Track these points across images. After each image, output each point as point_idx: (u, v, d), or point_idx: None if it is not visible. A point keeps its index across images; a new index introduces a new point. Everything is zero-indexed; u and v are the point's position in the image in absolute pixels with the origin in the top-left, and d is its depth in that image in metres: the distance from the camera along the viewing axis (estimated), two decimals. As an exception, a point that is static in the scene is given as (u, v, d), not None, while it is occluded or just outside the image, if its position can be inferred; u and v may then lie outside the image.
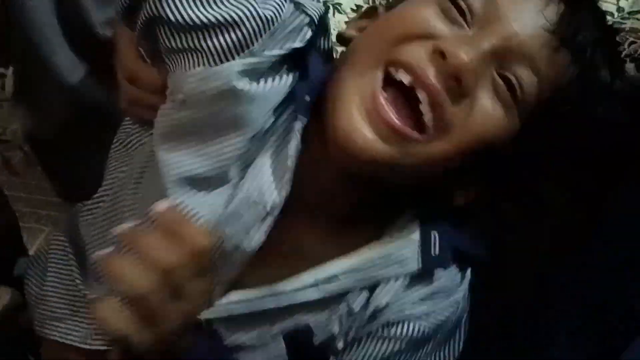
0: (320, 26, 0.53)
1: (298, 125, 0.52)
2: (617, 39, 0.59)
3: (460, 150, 0.49)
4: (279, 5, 0.49)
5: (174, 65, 0.50)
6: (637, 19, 0.73)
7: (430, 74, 0.48)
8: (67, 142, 0.86)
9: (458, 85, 0.48)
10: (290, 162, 0.52)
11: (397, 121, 0.48)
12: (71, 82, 0.79)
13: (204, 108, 0.50)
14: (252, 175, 0.52)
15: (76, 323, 0.61)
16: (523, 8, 0.49)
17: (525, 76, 0.49)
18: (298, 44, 0.51)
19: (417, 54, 0.49)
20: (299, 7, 0.51)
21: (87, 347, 0.60)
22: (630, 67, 0.70)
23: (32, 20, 0.76)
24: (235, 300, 0.53)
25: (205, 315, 0.50)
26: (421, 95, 0.48)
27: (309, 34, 0.52)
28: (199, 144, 0.51)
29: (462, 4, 0.50)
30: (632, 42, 0.71)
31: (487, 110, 0.49)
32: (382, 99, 0.48)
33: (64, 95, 0.81)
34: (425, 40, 0.49)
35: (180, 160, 0.51)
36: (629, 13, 0.74)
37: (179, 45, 0.49)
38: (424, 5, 0.51)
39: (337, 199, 0.54)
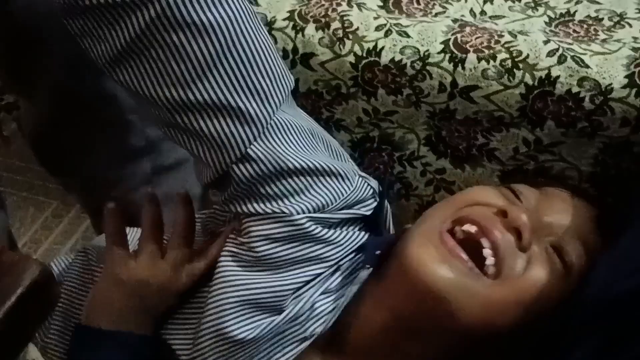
0: (380, 196, 0.65)
1: (364, 274, 0.61)
2: None
3: (515, 300, 0.56)
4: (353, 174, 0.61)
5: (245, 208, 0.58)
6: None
7: (495, 227, 0.58)
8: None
9: (518, 240, 0.58)
10: (344, 302, 0.59)
11: (464, 254, 0.57)
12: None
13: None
14: (308, 299, 0.59)
15: None
16: None
17: (573, 250, 0.60)
18: (365, 211, 0.63)
19: (482, 212, 0.60)
20: (365, 181, 0.63)
21: None
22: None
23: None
24: None
25: None
26: (485, 243, 0.57)
27: (374, 204, 0.64)
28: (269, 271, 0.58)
29: (517, 189, 0.65)
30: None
31: (540, 269, 0.58)
32: (451, 239, 0.58)
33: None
34: (488, 206, 0.61)
35: (246, 283, 0.57)
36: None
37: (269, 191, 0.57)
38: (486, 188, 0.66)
39: (373, 356, 0.61)
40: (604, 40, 0.73)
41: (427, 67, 0.76)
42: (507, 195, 0.64)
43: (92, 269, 0.70)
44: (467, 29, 0.76)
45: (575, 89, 0.71)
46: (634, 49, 0.71)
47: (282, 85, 0.57)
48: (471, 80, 0.75)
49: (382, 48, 0.78)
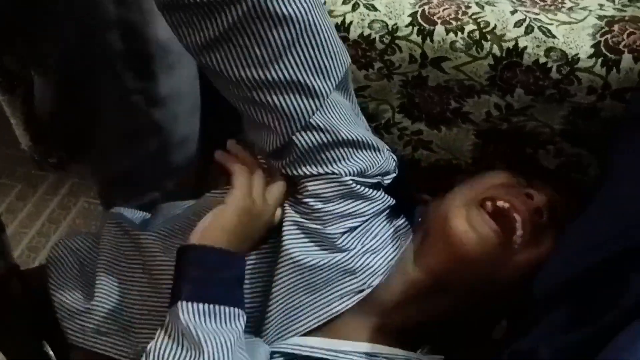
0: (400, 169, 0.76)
1: (408, 237, 0.74)
2: (616, 28, 0.69)
3: (529, 266, 0.68)
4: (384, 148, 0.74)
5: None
6: (638, 7, 0.69)
7: (524, 205, 0.69)
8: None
9: (540, 219, 0.69)
10: (394, 258, 0.71)
11: (497, 226, 0.68)
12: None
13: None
14: (370, 255, 0.70)
15: (123, 339, 0.70)
16: None
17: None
18: (386, 180, 0.74)
19: (513, 192, 0.71)
20: (390, 154, 0.75)
21: None
22: (627, 57, 0.68)
23: None
24: (311, 345, 0.66)
25: (279, 347, 0.65)
26: (517, 216, 0.68)
27: (393, 175, 0.75)
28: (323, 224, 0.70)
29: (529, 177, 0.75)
30: (631, 33, 0.68)
31: (549, 242, 0.70)
32: (485, 213, 0.69)
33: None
34: (515, 187, 0.72)
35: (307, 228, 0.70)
36: (630, 0, 0.70)
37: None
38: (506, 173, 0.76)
39: (401, 309, 0.71)
40: (570, 9, 0.72)
41: (396, 41, 0.76)
42: (520, 182, 0.75)
43: (129, 231, 0.75)
44: (435, 0, 0.75)
45: (542, 60, 0.71)
46: (600, 17, 0.70)
47: (342, 63, 0.67)
48: (440, 52, 0.75)
49: (350, 23, 0.77)
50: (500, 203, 0.68)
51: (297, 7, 0.61)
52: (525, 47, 0.71)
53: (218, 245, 0.62)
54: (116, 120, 0.81)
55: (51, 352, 0.73)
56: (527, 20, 0.71)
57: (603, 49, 0.69)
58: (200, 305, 0.58)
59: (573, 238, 0.67)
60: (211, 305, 0.58)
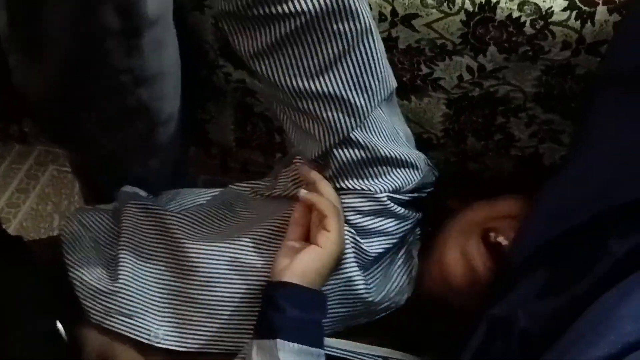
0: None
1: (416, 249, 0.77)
2: None
3: None
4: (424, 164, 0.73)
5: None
6: (612, -43, 0.68)
7: None
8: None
9: None
10: (414, 274, 0.75)
11: (491, 263, 0.69)
12: None
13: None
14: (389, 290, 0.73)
15: (146, 321, 0.69)
16: None
17: None
18: (424, 193, 0.75)
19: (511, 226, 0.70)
20: (430, 170, 0.75)
21: (156, 344, 0.68)
22: (602, 10, 0.67)
23: None
24: (332, 345, 0.69)
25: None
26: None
27: (431, 188, 0.75)
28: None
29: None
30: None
31: None
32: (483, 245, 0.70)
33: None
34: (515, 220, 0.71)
35: None
36: (604, -50, 0.69)
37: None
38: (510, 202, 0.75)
39: (407, 319, 0.74)
40: (543, -39, 0.70)
41: (365, -2, 0.74)
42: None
43: (153, 210, 0.75)
44: (404, -44, 0.73)
45: (515, 14, 0.69)
46: (574, -32, 0.69)
47: (387, 86, 0.68)
48: (411, 8, 0.72)
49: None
50: (501, 239, 0.69)
51: (350, 25, 0.63)
52: (498, 2, 0.69)
53: (314, 288, 0.63)
54: (104, 102, 0.77)
55: (62, 329, 0.68)
56: (500, -27, 0.70)
57: (577, 1, 0.67)
58: (297, 346, 0.59)
59: (549, 202, 0.66)
60: (306, 347, 0.60)
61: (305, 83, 0.64)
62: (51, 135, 0.86)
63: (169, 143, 0.85)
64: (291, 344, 0.59)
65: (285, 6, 0.61)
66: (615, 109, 0.63)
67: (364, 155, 0.68)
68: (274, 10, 0.61)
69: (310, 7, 0.61)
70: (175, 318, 0.68)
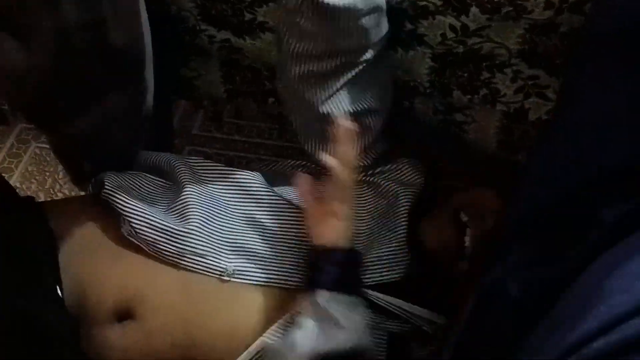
0: None
1: None
2: None
3: None
4: None
5: None
6: None
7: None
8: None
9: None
10: None
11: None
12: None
13: None
14: None
15: (219, 259, 0.74)
16: None
17: None
18: None
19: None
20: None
21: (228, 280, 0.74)
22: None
23: None
24: (386, 299, 0.77)
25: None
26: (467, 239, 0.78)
27: None
28: None
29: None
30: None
31: None
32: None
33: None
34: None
35: None
36: None
37: None
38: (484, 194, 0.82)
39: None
40: None
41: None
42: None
43: (219, 169, 0.81)
44: None
45: (497, -27, 0.68)
46: None
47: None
48: (391, -31, 0.71)
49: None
50: (466, 219, 0.78)
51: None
52: (479, -39, 0.68)
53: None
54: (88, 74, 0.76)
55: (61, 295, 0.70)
56: None
57: (560, -41, 0.66)
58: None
59: (538, 166, 0.65)
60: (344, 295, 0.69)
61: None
62: (28, 113, 0.85)
63: (146, 117, 0.84)
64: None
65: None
66: (601, 70, 0.62)
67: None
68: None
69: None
70: (245, 256, 0.75)
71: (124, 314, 0.70)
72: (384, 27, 0.75)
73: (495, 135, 0.90)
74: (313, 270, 0.72)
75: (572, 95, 0.65)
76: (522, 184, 0.66)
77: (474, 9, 0.71)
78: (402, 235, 0.80)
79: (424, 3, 0.73)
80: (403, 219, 0.81)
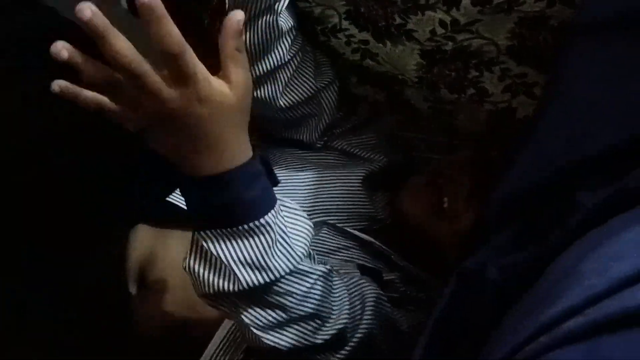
0: None
1: None
2: None
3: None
4: None
5: None
6: None
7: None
8: None
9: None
10: None
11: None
12: None
13: None
14: None
15: None
16: None
17: None
18: None
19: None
20: None
21: None
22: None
23: None
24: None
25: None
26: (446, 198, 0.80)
27: None
28: None
29: None
30: None
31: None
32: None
33: None
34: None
35: None
36: None
37: None
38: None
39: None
40: None
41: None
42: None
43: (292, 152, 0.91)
44: None
45: (490, -35, 0.68)
46: None
47: None
48: (382, -39, 0.70)
49: None
50: (441, 182, 0.81)
51: None
52: (472, -48, 0.68)
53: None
54: None
55: None
56: None
57: (552, -50, 0.66)
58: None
59: (521, 156, 0.65)
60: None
61: None
62: None
63: None
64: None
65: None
66: (585, 60, 0.63)
67: None
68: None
69: None
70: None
71: (140, 282, 0.68)
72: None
73: (485, 126, 0.90)
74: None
75: (557, 85, 0.66)
76: (505, 170, 0.66)
77: (465, 1, 0.71)
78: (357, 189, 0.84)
79: (415, -5, 0.72)
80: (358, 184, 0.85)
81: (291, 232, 0.57)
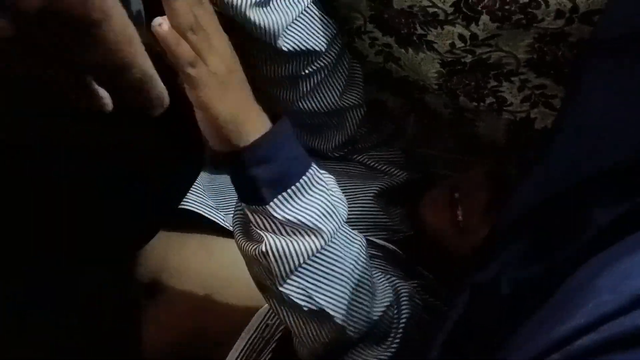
0: None
1: None
2: None
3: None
4: None
5: None
6: None
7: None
8: None
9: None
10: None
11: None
12: None
13: None
14: None
15: None
16: None
17: None
18: None
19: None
20: None
21: None
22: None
23: None
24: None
25: None
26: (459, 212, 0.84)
27: None
28: None
29: None
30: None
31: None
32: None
33: None
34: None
35: None
36: None
37: None
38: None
39: None
40: None
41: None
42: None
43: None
44: None
45: (509, -18, 0.68)
46: (569, -64, 0.67)
47: None
48: (403, -25, 0.71)
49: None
50: (457, 195, 0.84)
51: None
52: (491, -31, 0.68)
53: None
54: None
55: None
56: (493, -60, 0.68)
57: (571, -31, 0.66)
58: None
59: (534, 170, 0.66)
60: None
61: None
62: None
63: None
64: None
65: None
66: (600, 78, 0.63)
67: None
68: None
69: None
70: None
71: (153, 289, 0.70)
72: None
73: (504, 134, 0.91)
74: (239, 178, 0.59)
75: (572, 101, 0.66)
76: (520, 184, 0.67)
77: (484, 17, 0.71)
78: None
79: (434, 10, 0.73)
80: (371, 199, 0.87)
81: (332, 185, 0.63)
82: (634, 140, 0.57)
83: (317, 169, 0.61)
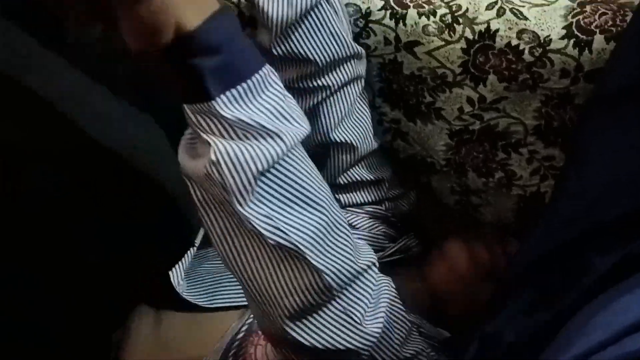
0: None
1: None
2: (588, 9, 0.69)
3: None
4: None
5: None
6: (609, -11, 0.71)
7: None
8: None
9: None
10: None
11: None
12: None
13: None
14: None
15: None
16: None
17: None
18: None
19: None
20: None
21: None
22: (599, 38, 0.68)
23: None
24: None
25: None
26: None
27: None
28: None
29: None
30: (603, 13, 0.68)
31: None
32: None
33: None
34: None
35: None
36: (602, -18, 0.72)
37: None
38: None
39: None
40: (542, -9, 0.73)
41: (370, 25, 0.76)
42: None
43: None
44: (407, -15, 0.76)
45: (514, 42, 0.71)
46: (572, -1, 0.71)
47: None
48: (413, 36, 0.75)
49: None
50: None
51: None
52: (497, 30, 0.71)
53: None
54: None
55: None
56: (499, 2, 0.72)
57: (575, 29, 0.69)
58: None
59: (540, 222, 0.66)
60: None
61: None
62: None
63: None
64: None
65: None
66: (602, 131, 0.64)
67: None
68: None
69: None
70: None
71: None
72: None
73: (513, 213, 0.89)
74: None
75: (575, 155, 0.67)
76: (526, 236, 0.67)
77: (491, 77, 0.74)
78: None
79: (443, 71, 0.75)
80: None
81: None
82: (633, 192, 0.58)
83: (273, 70, 0.52)
